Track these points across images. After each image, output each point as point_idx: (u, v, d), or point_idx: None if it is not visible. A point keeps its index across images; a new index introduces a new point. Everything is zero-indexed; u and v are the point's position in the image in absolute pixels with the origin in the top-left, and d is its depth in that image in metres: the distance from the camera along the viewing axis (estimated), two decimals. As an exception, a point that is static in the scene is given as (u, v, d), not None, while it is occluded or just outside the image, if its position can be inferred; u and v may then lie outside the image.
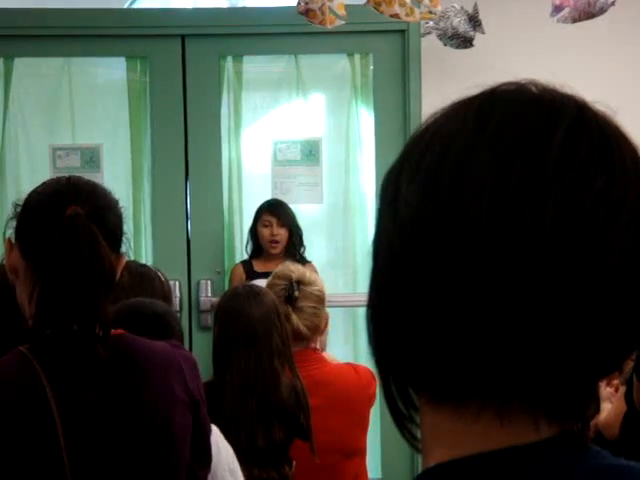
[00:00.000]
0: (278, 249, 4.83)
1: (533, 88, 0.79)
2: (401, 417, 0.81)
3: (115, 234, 1.84)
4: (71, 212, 1.77)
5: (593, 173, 0.74)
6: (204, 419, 1.90)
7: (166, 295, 2.74)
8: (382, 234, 0.80)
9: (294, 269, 3.13)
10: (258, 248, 4.90)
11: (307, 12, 3.89)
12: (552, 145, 0.74)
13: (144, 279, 2.64)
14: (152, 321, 2.26)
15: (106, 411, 1.76)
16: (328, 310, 3.24)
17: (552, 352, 0.73)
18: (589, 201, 0.73)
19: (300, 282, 3.07)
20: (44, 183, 1.89)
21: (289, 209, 4.91)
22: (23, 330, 1.79)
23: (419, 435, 0.82)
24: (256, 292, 2.90)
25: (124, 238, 1.89)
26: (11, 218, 1.87)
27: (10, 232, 1.87)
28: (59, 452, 1.71)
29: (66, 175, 1.91)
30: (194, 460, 1.88)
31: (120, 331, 1.85)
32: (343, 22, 3.96)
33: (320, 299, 3.11)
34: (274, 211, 4.87)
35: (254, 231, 4.90)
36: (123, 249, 1.89)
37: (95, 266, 1.74)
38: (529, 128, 0.75)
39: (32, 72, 5.13)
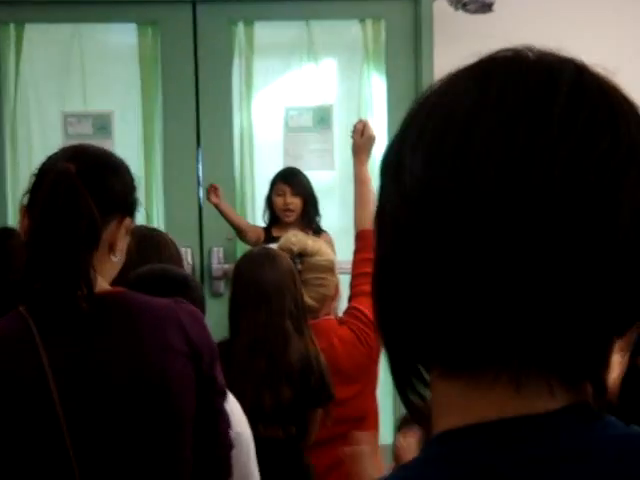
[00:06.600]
0: (292, 217, 4.83)
1: (530, 54, 0.79)
2: (407, 391, 0.81)
3: (113, 196, 1.86)
4: (60, 167, 1.80)
5: (597, 133, 0.74)
6: (210, 370, 1.90)
7: (180, 260, 2.77)
8: (386, 205, 0.80)
9: (295, 241, 3.09)
10: (274, 217, 4.91)
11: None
12: (555, 108, 0.74)
13: (160, 245, 2.66)
14: (175, 285, 2.28)
15: (97, 363, 1.79)
16: (340, 277, 3.23)
17: (564, 311, 0.73)
18: (596, 161, 0.73)
19: (302, 254, 3.04)
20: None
21: (304, 178, 4.90)
22: (14, 284, 1.83)
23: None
24: (272, 255, 2.89)
25: (136, 206, 1.93)
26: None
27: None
28: (53, 408, 1.75)
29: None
30: (209, 407, 1.89)
31: (120, 289, 1.88)
32: None
33: (326, 268, 3.08)
34: (288, 180, 4.86)
35: (270, 200, 4.92)
36: (133, 217, 1.92)
37: (74, 221, 1.76)
38: (531, 92, 0.75)
39: (43, 38, 5.11)
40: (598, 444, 0.76)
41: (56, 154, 1.88)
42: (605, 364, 0.78)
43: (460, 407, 0.78)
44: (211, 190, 4.89)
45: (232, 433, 2.00)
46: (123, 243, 1.92)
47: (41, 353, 1.75)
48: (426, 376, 0.81)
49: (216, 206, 4.88)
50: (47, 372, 1.75)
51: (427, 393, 0.81)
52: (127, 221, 1.90)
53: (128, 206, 1.91)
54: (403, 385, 0.81)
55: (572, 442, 0.75)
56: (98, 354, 1.79)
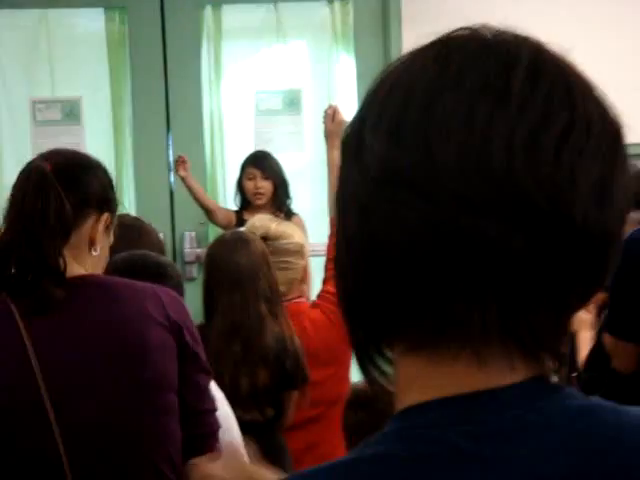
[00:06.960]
0: (262, 200, 4.84)
1: (487, 33, 0.80)
2: (370, 368, 0.82)
3: (88, 193, 1.92)
4: (33, 164, 1.87)
5: (555, 110, 0.75)
6: (193, 346, 1.93)
7: (162, 248, 2.79)
8: (349, 187, 0.80)
9: (258, 225, 3.08)
10: (245, 200, 4.91)
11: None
12: (513, 85, 0.75)
13: (142, 233, 2.68)
14: (154, 270, 2.30)
15: (75, 332, 1.84)
16: (313, 259, 3.24)
17: (522, 280, 0.75)
18: (554, 137, 0.74)
19: (266, 238, 3.03)
20: None
21: (274, 161, 4.90)
22: None
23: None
24: (244, 238, 2.90)
25: (115, 204, 1.99)
26: None
27: None
28: (33, 376, 1.80)
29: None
30: (188, 380, 1.92)
31: (95, 274, 1.94)
32: None
33: (291, 251, 3.08)
34: (258, 164, 4.86)
35: (240, 184, 4.91)
36: (112, 213, 1.98)
37: (43, 211, 1.82)
38: (489, 70, 0.76)
39: (9, 24, 5.08)
40: (556, 415, 0.77)
41: (35, 158, 1.94)
42: (563, 335, 0.79)
43: (422, 383, 0.79)
44: (179, 162, 4.87)
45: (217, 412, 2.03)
46: (104, 239, 1.97)
47: (20, 328, 1.81)
48: (389, 354, 0.82)
49: (183, 180, 4.86)
50: (27, 344, 1.80)
51: (390, 370, 0.82)
52: (105, 217, 1.95)
53: (105, 203, 1.96)
54: (366, 363, 0.82)
55: (530, 414, 0.76)
56: (76, 324, 1.84)
